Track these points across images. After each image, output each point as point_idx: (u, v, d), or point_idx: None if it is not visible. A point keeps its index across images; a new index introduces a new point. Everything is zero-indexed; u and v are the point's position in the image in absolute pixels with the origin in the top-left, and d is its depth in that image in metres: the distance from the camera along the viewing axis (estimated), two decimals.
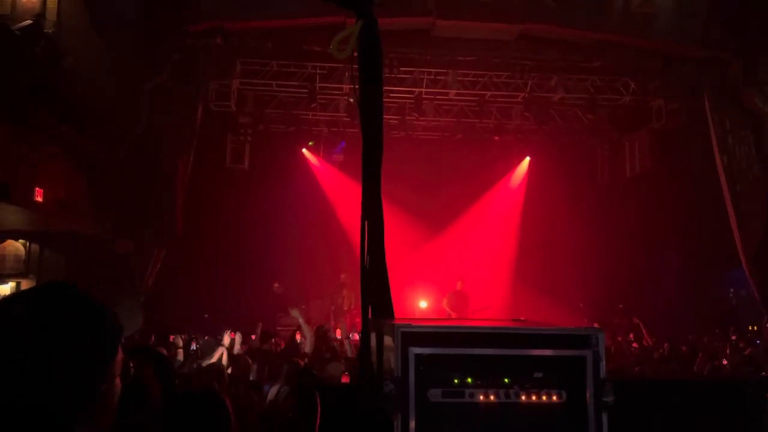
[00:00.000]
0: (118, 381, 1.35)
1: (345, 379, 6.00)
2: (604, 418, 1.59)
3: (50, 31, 10.20)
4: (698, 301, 14.10)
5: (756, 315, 12.68)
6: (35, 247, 12.03)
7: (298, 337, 10.51)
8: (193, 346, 9.84)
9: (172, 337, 9.72)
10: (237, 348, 8.58)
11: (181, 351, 9.26)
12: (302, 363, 6.44)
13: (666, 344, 10.36)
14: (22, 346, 1.23)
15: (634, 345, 11.46)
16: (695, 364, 8.48)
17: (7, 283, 12.05)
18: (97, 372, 1.28)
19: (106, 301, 1.38)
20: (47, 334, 1.24)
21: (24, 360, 1.22)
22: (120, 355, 1.35)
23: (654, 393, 1.96)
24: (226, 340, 8.59)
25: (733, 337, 10.75)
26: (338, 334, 11.99)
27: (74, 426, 1.24)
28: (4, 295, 11.43)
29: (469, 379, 1.56)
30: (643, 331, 11.72)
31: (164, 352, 6.64)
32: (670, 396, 1.96)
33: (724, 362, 8.54)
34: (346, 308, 14.68)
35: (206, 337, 10.11)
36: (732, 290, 14.55)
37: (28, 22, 9.74)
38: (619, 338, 12.09)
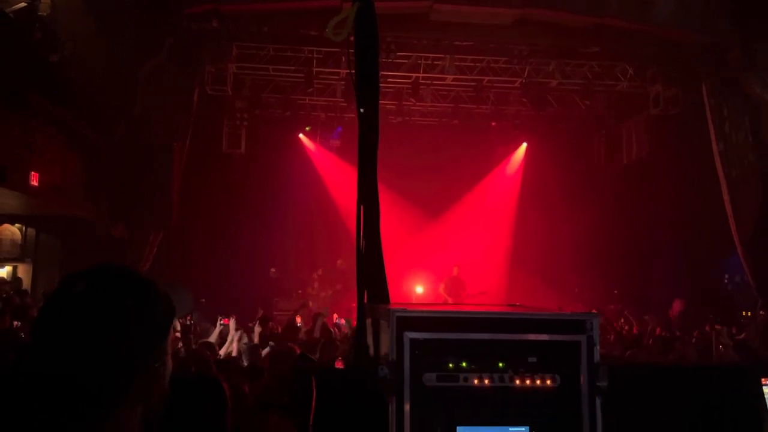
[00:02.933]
0: (169, 360, 1.38)
1: (338, 364, 6.03)
2: (598, 402, 1.60)
3: (45, 14, 10.10)
4: (693, 286, 14.16)
5: (750, 301, 12.75)
6: (31, 231, 12.03)
7: (298, 320, 10.55)
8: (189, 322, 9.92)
9: None
10: (232, 332, 8.59)
11: (177, 335, 9.29)
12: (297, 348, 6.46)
13: (656, 329, 10.43)
14: (80, 323, 1.26)
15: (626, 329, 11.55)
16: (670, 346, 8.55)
17: (3, 266, 12.06)
18: (150, 351, 1.32)
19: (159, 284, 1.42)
20: (105, 312, 1.27)
21: (81, 336, 1.25)
22: (172, 335, 1.39)
23: (649, 378, 1.97)
24: (231, 326, 8.61)
25: (717, 327, 10.81)
26: (335, 319, 12.04)
27: (120, 406, 1.27)
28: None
29: (464, 364, 1.57)
30: (632, 320, 11.80)
31: None
32: (666, 381, 1.97)
33: (720, 348, 8.59)
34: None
35: (198, 326, 10.14)
36: (727, 276, 14.62)
37: (22, 4, 9.64)
38: (615, 324, 12.16)
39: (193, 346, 7.68)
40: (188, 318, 11.04)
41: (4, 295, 9.59)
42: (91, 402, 1.24)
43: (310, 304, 13.80)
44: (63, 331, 1.26)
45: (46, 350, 1.26)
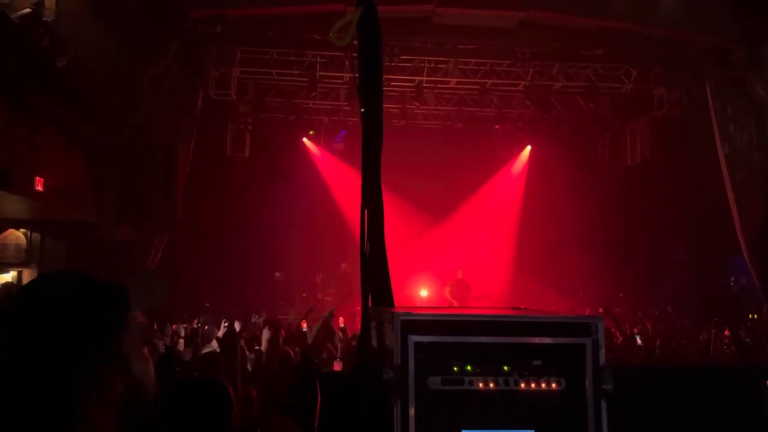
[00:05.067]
0: (145, 353, 1.42)
1: (336, 367, 6.04)
2: (603, 405, 1.60)
3: (50, 19, 10.15)
4: (699, 288, 14.12)
5: (757, 303, 12.70)
6: (36, 235, 12.04)
7: (303, 325, 10.56)
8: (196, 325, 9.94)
9: (174, 326, 9.77)
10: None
11: (182, 340, 9.32)
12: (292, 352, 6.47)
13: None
14: (31, 322, 1.32)
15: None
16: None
17: (8, 272, 12.08)
18: (102, 342, 1.35)
19: (118, 280, 1.45)
20: (52, 311, 1.33)
21: (26, 332, 1.31)
22: (137, 326, 1.42)
23: (654, 380, 1.97)
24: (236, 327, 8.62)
25: (722, 331, 10.77)
26: (341, 322, 12.03)
27: (80, 394, 1.30)
28: (7, 282, 11.47)
29: (469, 367, 1.57)
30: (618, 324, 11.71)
31: (159, 342, 6.68)
32: (670, 383, 1.96)
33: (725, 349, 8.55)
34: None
35: (206, 327, 10.16)
36: (733, 278, 14.56)
37: (27, 10, 9.69)
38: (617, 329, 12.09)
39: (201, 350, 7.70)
40: (195, 321, 11.08)
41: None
42: (49, 394, 1.28)
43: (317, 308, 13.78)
44: (11, 339, 1.32)
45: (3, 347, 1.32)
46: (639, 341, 10.92)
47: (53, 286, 1.39)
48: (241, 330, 9.29)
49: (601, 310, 12.49)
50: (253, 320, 9.54)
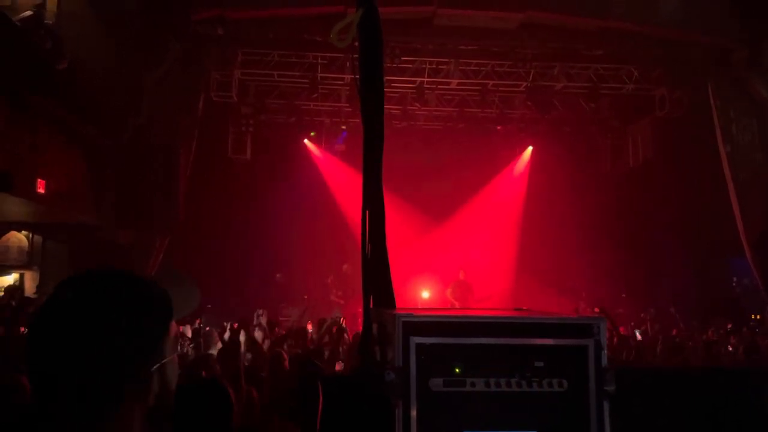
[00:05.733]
0: (172, 361, 1.38)
1: (338, 367, 6.03)
2: (606, 406, 1.60)
3: (51, 21, 10.16)
4: (701, 289, 14.11)
5: (759, 303, 12.68)
6: (38, 238, 12.06)
7: (309, 327, 10.58)
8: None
9: (181, 328, 9.78)
10: (242, 338, 8.62)
11: (187, 342, 9.33)
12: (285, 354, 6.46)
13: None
14: (70, 329, 1.27)
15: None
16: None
17: (10, 274, 12.10)
18: (144, 354, 1.31)
19: (163, 282, 1.42)
20: (93, 317, 1.28)
21: (71, 341, 1.26)
22: (173, 333, 1.39)
23: (656, 381, 1.96)
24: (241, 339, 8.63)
25: (729, 326, 10.78)
26: (343, 324, 12.03)
27: (116, 404, 1.28)
28: (11, 285, 11.48)
29: (471, 369, 1.57)
30: (614, 325, 11.70)
31: None
32: (673, 384, 1.96)
33: (729, 348, 8.54)
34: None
35: (207, 328, 10.16)
36: (735, 279, 14.55)
37: (29, 12, 9.71)
38: (621, 329, 12.10)
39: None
40: (198, 322, 11.09)
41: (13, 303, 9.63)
42: (85, 403, 1.26)
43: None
44: (55, 339, 1.27)
45: (40, 358, 1.27)
46: (639, 336, 10.94)
47: (91, 294, 1.32)
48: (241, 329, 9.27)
49: (597, 309, 12.49)
50: (255, 322, 9.58)
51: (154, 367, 1.33)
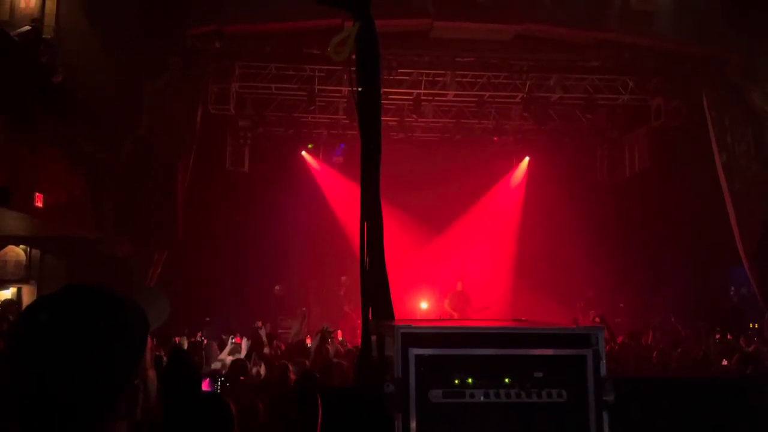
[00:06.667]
0: (152, 373, 1.38)
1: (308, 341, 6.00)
2: (605, 416, 1.60)
3: (49, 36, 10.22)
4: (699, 298, 14.10)
5: (757, 312, 12.67)
6: (36, 252, 12.03)
7: (308, 340, 10.55)
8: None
9: (177, 339, 9.75)
10: (244, 351, 8.59)
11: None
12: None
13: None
14: (49, 352, 1.25)
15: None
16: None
17: (8, 288, 12.06)
18: (125, 369, 1.30)
19: (128, 292, 1.41)
20: (72, 339, 1.26)
21: (51, 365, 1.24)
22: (149, 347, 1.38)
23: (656, 390, 1.96)
24: (243, 347, 8.61)
25: (717, 336, 10.79)
26: (339, 336, 12.00)
27: (105, 423, 1.27)
28: (7, 299, 11.45)
29: (470, 380, 1.57)
30: (612, 334, 11.70)
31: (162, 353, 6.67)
32: (673, 393, 1.96)
33: (724, 362, 8.52)
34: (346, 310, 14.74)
35: (204, 341, 10.13)
36: (733, 288, 14.54)
37: (27, 27, 9.76)
38: (620, 338, 12.07)
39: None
40: (199, 335, 11.06)
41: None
42: (79, 421, 1.24)
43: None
44: (36, 358, 1.25)
45: (29, 380, 1.25)
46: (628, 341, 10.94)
47: (78, 307, 1.29)
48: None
49: (597, 319, 12.48)
50: (231, 339, 9.55)
51: (137, 380, 1.33)
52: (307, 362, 7.74)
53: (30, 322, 1.29)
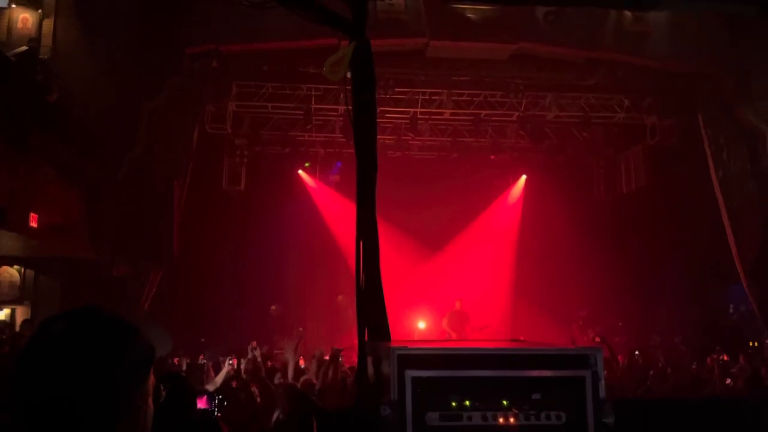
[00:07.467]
0: (150, 402, 1.40)
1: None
2: None
3: (46, 56, 10.25)
4: (698, 316, 14.06)
5: (757, 330, 12.62)
6: (30, 272, 11.96)
7: (302, 362, 10.46)
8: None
9: (177, 360, 9.67)
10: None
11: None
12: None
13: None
14: (61, 362, 1.28)
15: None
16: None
17: (2, 309, 11.97)
18: (131, 389, 1.33)
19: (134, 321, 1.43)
20: (85, 353, 1.29)
21: (62, 374, 1.27)
22: (152, 376, 1.41)
23: (658, 412, 1.93)
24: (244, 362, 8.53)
25: (714, 356, 10.74)
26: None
27: None
28: (1, 320, 11.35)
29: (467, 402, 1.54)
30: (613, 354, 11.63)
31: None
32: (676, 415, 1.93)
33: (728, 381, 8.45)
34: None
35: (206, 363, 10.03)
36: (732, 306, 14.50)
37: (23, 48, 9.79)
38: (620, 357, 12.00)
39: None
40: (201, 357, 10.98)
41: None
42: None
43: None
44: (46, 373, 1.27)
45: (30, 391, 1.27)
46: (640, 361, 10.87)
47: (86, 328, 1.33)
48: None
49: (597, 339, 12.41)
50: (249, 355, 9.46)
51: (140, 402, 1.35)
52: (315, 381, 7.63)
53: (45, 331, 1.33)
